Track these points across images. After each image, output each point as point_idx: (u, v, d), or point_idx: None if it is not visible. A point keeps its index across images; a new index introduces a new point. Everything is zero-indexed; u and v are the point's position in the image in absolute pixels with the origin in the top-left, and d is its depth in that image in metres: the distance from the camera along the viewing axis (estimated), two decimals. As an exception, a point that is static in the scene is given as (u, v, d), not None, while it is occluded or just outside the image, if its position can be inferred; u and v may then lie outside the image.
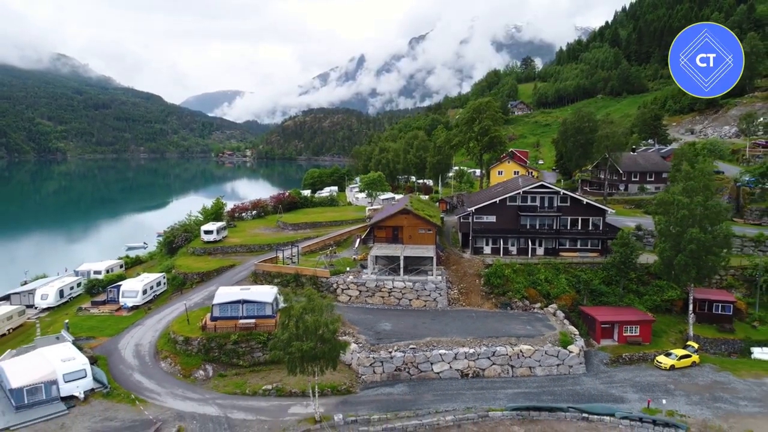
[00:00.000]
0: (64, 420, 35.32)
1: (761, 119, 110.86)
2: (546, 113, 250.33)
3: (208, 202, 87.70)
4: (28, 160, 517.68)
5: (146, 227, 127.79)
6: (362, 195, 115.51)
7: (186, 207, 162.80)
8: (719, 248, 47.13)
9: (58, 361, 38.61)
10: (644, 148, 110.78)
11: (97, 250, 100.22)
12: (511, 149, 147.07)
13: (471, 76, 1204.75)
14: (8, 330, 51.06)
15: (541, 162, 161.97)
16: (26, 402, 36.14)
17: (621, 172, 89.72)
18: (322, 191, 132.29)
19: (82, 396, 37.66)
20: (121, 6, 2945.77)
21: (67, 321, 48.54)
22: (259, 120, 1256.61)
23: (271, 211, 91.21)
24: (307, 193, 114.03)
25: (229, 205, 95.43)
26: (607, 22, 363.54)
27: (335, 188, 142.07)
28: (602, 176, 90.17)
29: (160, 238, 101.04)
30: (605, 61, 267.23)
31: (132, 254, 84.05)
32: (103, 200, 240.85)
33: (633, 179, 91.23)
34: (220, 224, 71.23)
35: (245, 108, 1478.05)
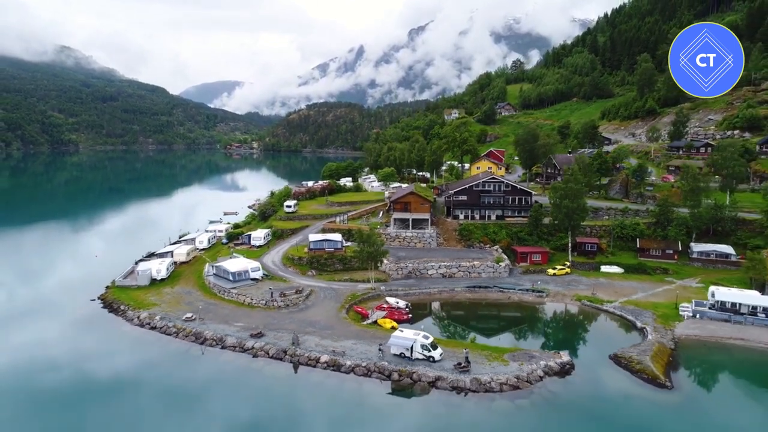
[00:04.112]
0: (258, 286, 76.17)
1: (670, 128, 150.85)
2: (528, 114, 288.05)
3: (252, 192, 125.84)
4: (42, 152, 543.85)
5: (212, 207, 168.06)
6: (377, 183, 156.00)
7: (225, 195, 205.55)
8: (580, 212, 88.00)
9: (246, 262, 79.56)
10: (582, 150, 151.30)
11: (189, 221, 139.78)
12: (490, 149, 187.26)
13: (470, 67, 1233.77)
14: (192, 257, 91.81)
15: (516, 158, 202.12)
16: (236, 279, 76.86)
17: (558, 167, 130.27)
18: (339, 181, 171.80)
19: (260, 278, 78.55)
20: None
21: (232, 250, 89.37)
22: (259, 111, 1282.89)
23: (318, 195, 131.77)
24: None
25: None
26: (588, 29, 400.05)
27: (350, 179, 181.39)
28: (547, 170, 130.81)
29: (230, 215, 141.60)
30: (583, 66, 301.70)
31: (212, 227, 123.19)
32: (152, 190, 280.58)
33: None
34: (294, 201, 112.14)
35: (244, 98, 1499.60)
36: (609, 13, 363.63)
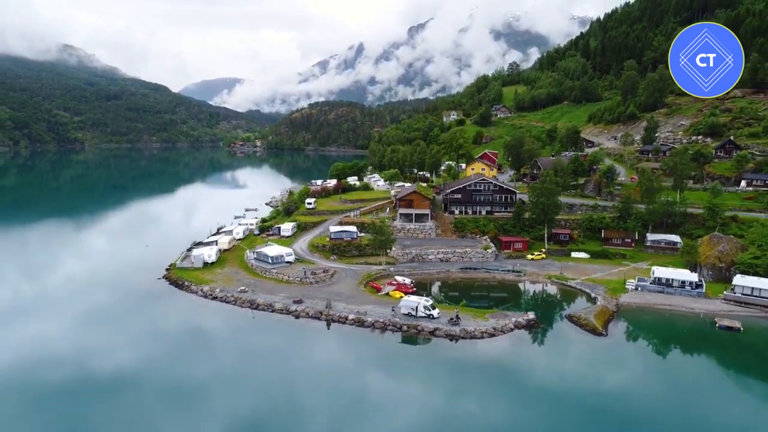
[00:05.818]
0: (292, 267, 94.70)
1: (643, 134, 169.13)
2: (522, 117, 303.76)
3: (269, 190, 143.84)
4: (49, 150, 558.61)
5: (234, 204, 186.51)
6: (382, 183, 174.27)
7: (241, 192, 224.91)
8: (554, 208, 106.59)
9: (281, 248, 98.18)
10: (565, 153, 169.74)
11: (216, 217, 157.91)
12: (485, 150, 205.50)
13: (469, 64, 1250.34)
14: (232, 246, 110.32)
15: (509, 159, 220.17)
16: (274, 262, 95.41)
17: (542, 168, 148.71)
18: (346, 179, 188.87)
19: (292, 261, 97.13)
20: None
21: (267, 239, 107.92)
22: (260, 108, 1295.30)
23: (332, 193, 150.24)
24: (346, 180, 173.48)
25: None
26: (582, 33, 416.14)
27: (355, 177, 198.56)
28: (533, 171, 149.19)
29: (251, 212, 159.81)
30: (575, 70, 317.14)
31: (242, 221, 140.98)
32: (169, 188, 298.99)
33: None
34: (313, 199, 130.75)
35: (245, 96, 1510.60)
36: (602, 18, 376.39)
